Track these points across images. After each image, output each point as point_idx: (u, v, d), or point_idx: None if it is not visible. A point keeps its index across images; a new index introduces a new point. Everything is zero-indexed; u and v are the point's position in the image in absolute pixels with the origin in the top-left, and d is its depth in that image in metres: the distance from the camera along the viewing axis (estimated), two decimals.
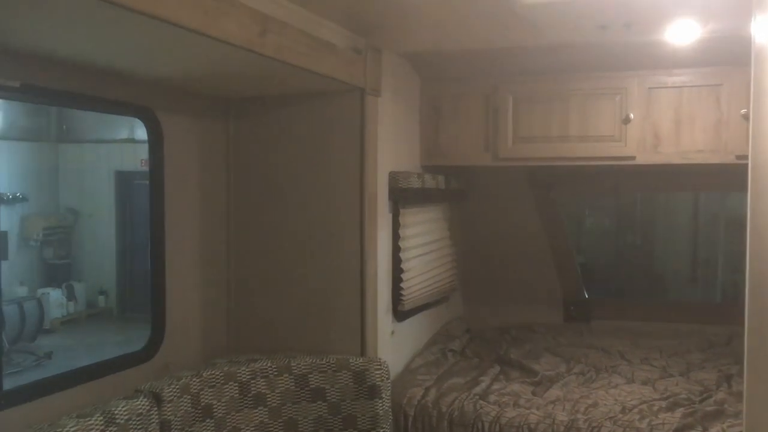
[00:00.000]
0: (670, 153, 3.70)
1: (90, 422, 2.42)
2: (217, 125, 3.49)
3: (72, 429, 2.35)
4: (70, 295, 12.02)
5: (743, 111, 3.48)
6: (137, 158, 11.64)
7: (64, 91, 2.63)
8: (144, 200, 12.29)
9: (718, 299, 7.76)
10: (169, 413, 2.76)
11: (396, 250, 3.80)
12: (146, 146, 10.50)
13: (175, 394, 2.82)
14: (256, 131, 3.53)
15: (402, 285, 3.83)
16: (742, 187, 2.51)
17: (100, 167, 12.09)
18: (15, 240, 11.93)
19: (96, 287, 12.43)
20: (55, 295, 11.66)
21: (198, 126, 3.37)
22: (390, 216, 3.74)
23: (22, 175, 12.00)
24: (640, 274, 8.36)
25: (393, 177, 3.67)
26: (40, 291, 11.49)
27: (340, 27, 3.22)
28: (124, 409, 2.56)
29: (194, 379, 2.95)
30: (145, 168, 11.32)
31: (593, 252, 8.62)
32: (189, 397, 2.89)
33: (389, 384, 3.33)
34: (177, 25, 2.07)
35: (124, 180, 12.09)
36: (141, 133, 11.67)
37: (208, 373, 3.03)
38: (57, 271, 12.36)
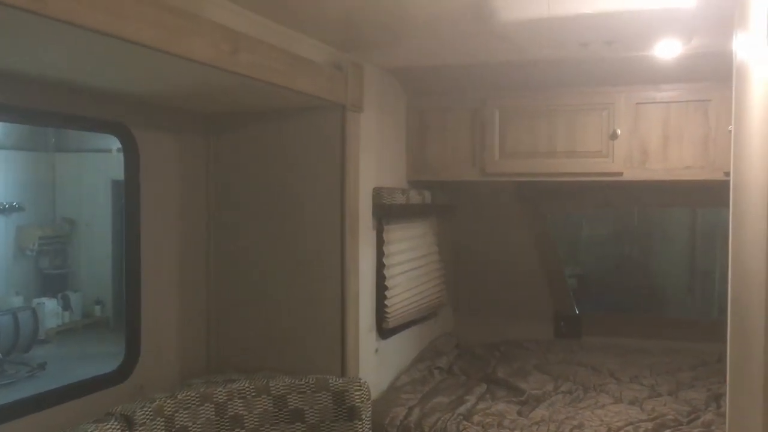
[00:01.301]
0: (657, 169, 3.66)
1: None
2: (196, 141, 3.45)
3: None
4: (66, 305, 11.99)
5: (731, 127, 3.42)
6: None
7: (38, 110, 2.59)
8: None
9: (714, 314, 7.69)
10: None
11: (380, 266, 3.75)
12: None
13: (147, 416, 2.75)
14: (237, 147, 3.49)
15: (386, 302, 3.78)
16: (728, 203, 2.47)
17: (96, 177, 12.07)
18: (11, 250, 11.91)
19: (92, 297, 12.39)
20: (50, 305, 11.63)
21: (176, 142, 3.32)
22: (374, 233, 3.69)
23: (19, 185, 11.99)
24: (636, 287, 8.30)
25: (377, 193, 3.62)
26: (35, 301, 11.46)
27: (320, 43, 3.18)
28: None
29: (168, 401, 2.89)
30: None
31: (589, 264, 8.58)
32: (162, 419, 2.83)
33: (369, 405, 3.26)
34: (141, 45, 2.03)
35: (120, 190, 12.02)
36: None
37: (183, 394, 2.97)
38: (53, 280, 12.33)
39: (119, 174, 11.17)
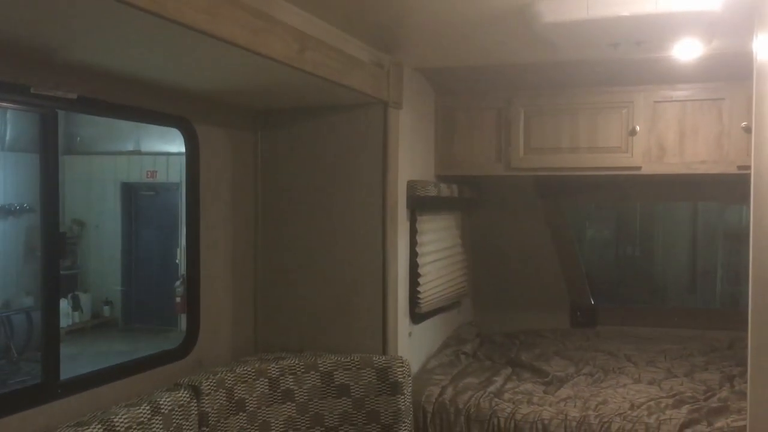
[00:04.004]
0: (674, 163, 3.91)
1: (138, 411, 2.58)
2: (246, 135, 3.68)
3: (123, 417, 2.51)
4: (76, 306, 12.12)
5: (744, 124, 3.69)
6: (143, 170, 11.83)
7: (113, 103, 2.82)
8: (149, 211, 12.41)
9: (717, 305, 7.92)
10: (207, 405, 2.93)
11: (413, 255, 3.98)
12: (151, 158, 10.62)
13: (212, 387, 2.98)
14: (284, 141, 3.72)
15: (419, 289, 4.01)
16: (743, 197, 2.71)
17: (106, 179, 12.23)
18: (21, 251, 12.06)
19: (101, 298, 12.54)
20: (61, 306, 11.76)
21: (229, 136, 3.55)
22: (408, 223, 3.92)
23: (29, 187, 12.14)
24: (640, 285, 8.52)
25: (411, 186, 3.85)
26: None
27: (364, 44, 3.42)
28: (168, 400, 2.73)
29: (228, 374, 3.12)
30: (151, 180, 11.42)
31: (594, 263, 8.79)
32: (224, 391, 3.06)
33: (410, 381, 3.50)
34: (230, 43, 2.26)
35: (129, 191, 12.24)
36: (146, 145, 11.89)
37: (241, 369, 3.20)
38: (63, 281, 12.46)
39: (128, 176, 11.29)
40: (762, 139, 2.64)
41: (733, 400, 3.54)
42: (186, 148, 3.28)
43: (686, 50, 3.09)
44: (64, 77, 2.57)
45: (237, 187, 3.62)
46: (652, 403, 3.52)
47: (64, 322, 11.72)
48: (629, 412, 3.42)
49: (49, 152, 2.59)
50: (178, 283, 10.84)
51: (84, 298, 12.33)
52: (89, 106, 2.73)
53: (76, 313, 12.07)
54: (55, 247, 2.70)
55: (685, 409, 3.42)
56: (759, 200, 2.64)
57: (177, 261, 11.23)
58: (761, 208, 2.64)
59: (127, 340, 11.71)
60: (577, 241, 6.30)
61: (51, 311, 2.71)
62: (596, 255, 8.95)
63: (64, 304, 11.83)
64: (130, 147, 11.88)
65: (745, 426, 2.82)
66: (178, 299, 10.81)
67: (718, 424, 3.25)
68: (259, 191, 3.75)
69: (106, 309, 12.57)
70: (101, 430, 2.42)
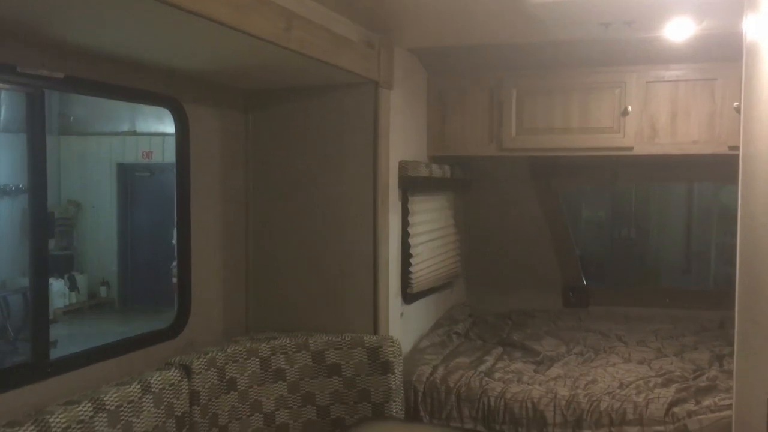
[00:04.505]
0: (666, 144, 3.91)
1: (129, 390, 2.60)
2: (236, 115, 3.66)
3: (113, 395, 2.53)
4: (72, 286, 12.16)
5: (736, 104, 3.68)
6: (138, 150, 11.80)
7: (101, 83, 2.80)
8: (145, 192, 12.40)
9: (711, 286, 7.95)
10: (198, 384, 2.95)
11: (405, 236, 3.99)
12: (147, 139, 10.59)
13: (203, 366, 3.00)
14: (274, 122, 3.71)
15: (411, 269, 4.02)
16: (735, 177, 2.71)
17: (101, 159, 12.21)
18: (17, 232, 12.06)
19: (98, 278, 12.57)
20: (57, 286, 11.78)
21: (219, 116, 3.54)
22: (399, 204, 3.92)
23: (25, 167, 12.09)
24: (635, 266, 8.56)
25: (403, 166, 3.85)
26: None
27: (354, 23, 3.40)
28: (158, 379, 2.75)
29: (219, 354, 3.14)
30: (147, 160, 11.39)
31: (589, 244, 8.82)
32: (215, 370, 3.08)
33: (401, 360, 3.52)
34: (214, 21, 2.25)
35: (125, 172, 12.22)
36: (142, 125, 11.85)
37: (232, 348, 3.21)
38: (59, 262, 12.47)
39: (123, 157, 11.27)
40: (750, 120, 2.63)
41: (721, 379, 3.57)
42: (176, 128, 3.27)
43: (677, 30, 3.08)
44: (52, 57, 2.56)
45: (227, 168, 3.62)
46: (640, 382, 3.55)
47: (61, 302, 11.77)
48: (618, 390, 3.45)
49: (36, 132, 2.59)
50: (174, 263, 10.86)
51: (80, 279, 12.36)
52: (77, 85, 2.72)
53: (73, 294, 12.10)
54: (43, 227, 2.70)
55: (673, 388, 3.45)
56: (747, 180, 2.64)
57: (173, 241, 11.25)
58: (748, 189, 2.64)
59: (123, 320, 11.76)
60: (571, 222, 6.34)
61: (40, 291, 2.71)
62: (591, 236, 8.98)
63: (61, 285, 11.87)
64: (126, 127, 11.85)
65: (731, 404, 2.84)
66: (174, 279, 10.84)
67: (706, 403, 3.28)
68: (249, 172, 3.74)
69: (103, 289, 12.61)
70: (91, 408, 2.44)
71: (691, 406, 3.27)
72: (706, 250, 8.07)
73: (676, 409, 3.25)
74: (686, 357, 4.01)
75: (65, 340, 10.62)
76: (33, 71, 2.48)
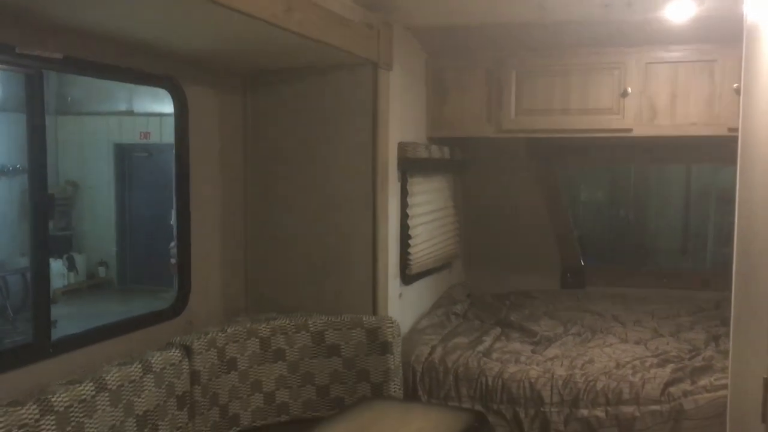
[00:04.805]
0: (665, 125, 3.90)
1: (130, 370, 2.63)
2: (235, 96, 3.66)
3: (115, 375, 2.55)
4: (71, 266, 12.17)
5: (735, 86, 3.67)
6: (136, 131, 11.76)
7: (101, 63, 2.80)
8: (143, 172, 12.37)
9: (708, 266, 7.98)
10: (199, 364, 2.97)
11: (404, 217, 4.00)
12: (144, 119, 10.55)
13: (203, 347, 3.02)
14: (273, 103, 3.70)
15: (409, 250, 4.04)
16: (734, 159, 2.71)
17: (99, 140, 12.17)
18: (15, 212, 12.06)
19: (96, 259, 12.58)
20: (56, 267, 11.80)
21: (218, 97, 3.54)
22: (398, 185, 3.92)
23: (22, 148, 12.04)
24: (633, 247, 8.57)
25: (402, 147, 3.85)
26: None
27: (353, 3, 3.38)
28: (159, 359, 2.77)
29: (220, 334, 3.16)
30: (144, 141, 11.35)
31: (587, 225, 8.83)
32: (215, 350, 3.10)
33: (400, 341, 3.55)
34: (213, 1, 2.24)
35: (123, 153, 12.19)
36: (139, 105, 11.81)
37: (232, 329, 3.24)
38: (57, 242, 12.47)
39: (121, 137, 11.23)
40: (750, 102, 2.63)
41: (717, 359, 3.60)
42: (174, 109, 3.27)
43: (678, 11, 3.07)
44: (51, 37, 2.55)
45: (226, 148, 3.62)
46: (637, 362, 3.58)
47: (60, 282, 11.79)
48: (614, 370, 3.48)
49: (35, 112, 2.58)
50: (173, 243, 10.87)
51: (79, 259, 12.38)
52: (76, 66, 2.72)
53: (72, 274, 12.12)
54: (43, 207, 2.70)
55: (669, 367, 3.48)
56: (745, 162, 2.64)
57: (171, 222, 11.25)
58: (747, 170, 2.65)
59: (122, 300, 11.79)
60: (570, 204, 6.35)
61: (41, 271, 2.72)
62: (590, 217, 8.98)
63: (60, 265, 11.88)
64: (123, 108, 11.80)
65: (727, 384, 2.87)
66: (173, 260, 10.85)
67: (702, 383, 3.31)
68: (249, 152, 3.75)
69: (102, 270, 12.62)
70: (93, 387, 2.46)
71: (686, 385, 3.30)
72: (704, 232, 8.08)
73: (672, 389, 3.28)
74: (682, 337, 4.04)
75: (65, 320, 10.68)
76: (32, 52, 2.48)
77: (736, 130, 2.69)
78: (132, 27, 2.69)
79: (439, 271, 4.68)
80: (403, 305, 4.02)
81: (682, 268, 7.70)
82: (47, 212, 2.75)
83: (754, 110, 2.64)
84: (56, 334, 2.75)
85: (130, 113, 11.71)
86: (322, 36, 2.91)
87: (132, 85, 9.74)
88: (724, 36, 3.58)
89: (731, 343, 2.80)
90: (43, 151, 2.65)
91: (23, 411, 2.21)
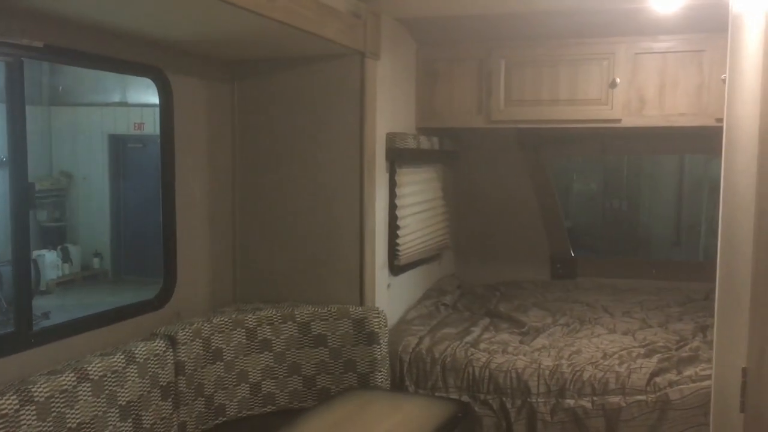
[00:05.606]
0: (654, 116, 3.90)
1: (113, 360, 2.62)
2: (221, 87, 3.64)
3: (97, 365, 2.55)
4: (65, 258, 12.15)
5: (723, 76, 3.65)
6: (130, 122, 11.72)
7: (83, 52, 2.77)
8: (137, 163, 12.33)
9: (701, 257, 8.01)
10: (183, 355, 2.97)
11: (392, 207, 3.99)
12: (138, 110, 10.52)
13: (188, 337, 3.02)
14: (260, 93, 3.68)
15: (398, 241, 4.03)
16: (721, 149, 2.71)
17: (93, 131, 12.13)
18: (7, 204, 12.01)
19: (90, 249, 12.57)
20: (50, 258, 11.79)
21: (204, 87, 3.52)
22: (387, 175, 3.92)
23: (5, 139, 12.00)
24: (625, 238, 8.60)
25: (390, 138, 3.83)
26: (35, 253, 11.59)
27: None
28: (143, 349, 2.77)
29: (205, 325, 3.15)
30: (139, 132, 11.31)
31: (580, 216, 8.85)
32: (200, 340, 3.10)
33: (387, 331, 3.55)
34: None
35: (117, 143, 12.15)
36: (133, 96, 11.74)
37: (218, 319, 3.23)
38: (52, 233, 12.47)
39: (115, 128, 11.19)
40: (735, 92, 2.63)
41: (703, 349, 3.60)
42: (160, 99, 3.25)
43: (666, 0, 3.05)
44: (31, 25, 2.52)
45: (213, 139, 3.60)
46: (624, 352, 3.58)
47: (54, 273, 11.78)
48: (601, 361, 3.48)
49: (15, 102, 2.56)
50: None
51: (73, 250, 12.36)
52: (57, 54, 2.70)
53: (66, 265, 12.11)
54: (24, 198, 2.69)
55: (656, 358, 3.48)
56: (729, 152, 2.64)
57: None
58: (731, 161, 2.64)
59: (116, 291, 11.78)
60: (563, 194, 6.37)
61: (22, 262, 2.71)
62: (582, 208, 9.00)
63: (54, 256, 11.87)
64: (117, 99, 11.76)
65: (711, 374, 2.87)
66: None
67: (687, 373, 3.31)
68: (236, 143, 3.73)
69: (96, 261, 12.61)
70: (74, 378, 2.46)
71: (672, 376, 3.31)
72: (697, 223, 8.11)
73: (657, 379, 3.29)
74: (670, 328, 4.05)
75: (59, 311, 10.69)
76: (12, 40, 2.46)
77: (723, 120, 2.69)
78: (115, 15, 2.67)
79: (428, 262, 4.68)
80: (391, 296, 4.02)
81: (673, 258, 7.74)
82: (28, 202, 2.73)
83: (738, 100, 2.63)
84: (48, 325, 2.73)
85: (125, 104, 11.67)
86: (308, 25, 2.89)
87: (125, 76, 9.71)
88: (712, 26, 3.57)
89: (714, 333, 2.81)
90: (24, 140, 2.63)
91: (2, 401, 2.20)
